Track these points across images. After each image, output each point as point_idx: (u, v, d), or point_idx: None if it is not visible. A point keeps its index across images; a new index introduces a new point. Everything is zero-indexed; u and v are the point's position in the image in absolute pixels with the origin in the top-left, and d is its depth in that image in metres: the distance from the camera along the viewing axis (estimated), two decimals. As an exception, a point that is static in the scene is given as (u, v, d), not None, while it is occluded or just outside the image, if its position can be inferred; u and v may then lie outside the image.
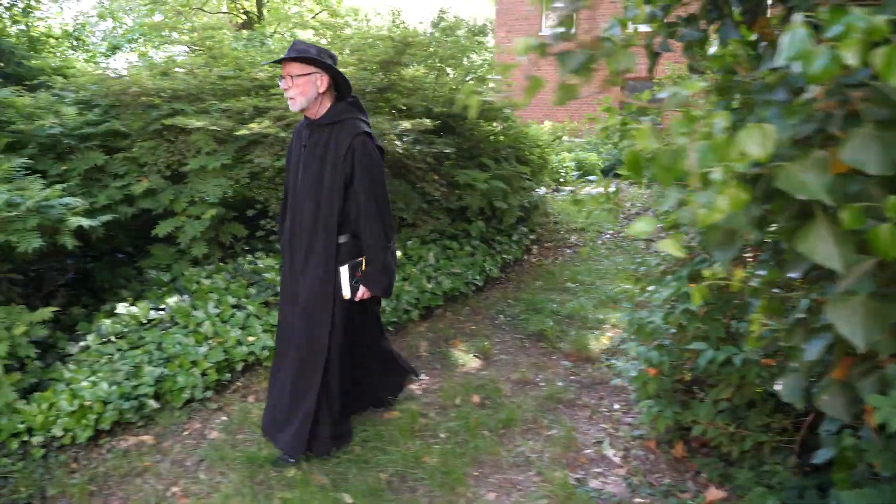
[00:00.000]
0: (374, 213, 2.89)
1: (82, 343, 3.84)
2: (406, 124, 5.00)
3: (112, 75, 4.90)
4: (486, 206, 6.10)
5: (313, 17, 12.36)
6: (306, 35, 10.91)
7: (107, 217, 3.99)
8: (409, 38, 5.15)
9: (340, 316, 2.97)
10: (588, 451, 3.21)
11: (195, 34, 6.02)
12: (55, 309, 3.59)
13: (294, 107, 2.88)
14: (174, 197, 4.69)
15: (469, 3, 30.01)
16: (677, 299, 2.85)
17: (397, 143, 4.99)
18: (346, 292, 2.93)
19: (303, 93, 2.83)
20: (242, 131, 4.34)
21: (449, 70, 6.32)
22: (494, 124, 6.68)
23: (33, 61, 6.24)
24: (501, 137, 6.60)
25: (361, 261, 2.94)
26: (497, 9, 20.54)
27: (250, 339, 3.98)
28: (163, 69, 5.24)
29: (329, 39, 7.09)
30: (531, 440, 3.30)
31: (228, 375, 3.83)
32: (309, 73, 2.80)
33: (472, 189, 5.88)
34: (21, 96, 4.55)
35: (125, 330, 3.99)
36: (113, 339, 3.91)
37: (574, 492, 2.83)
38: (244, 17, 13.51)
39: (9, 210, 3.42)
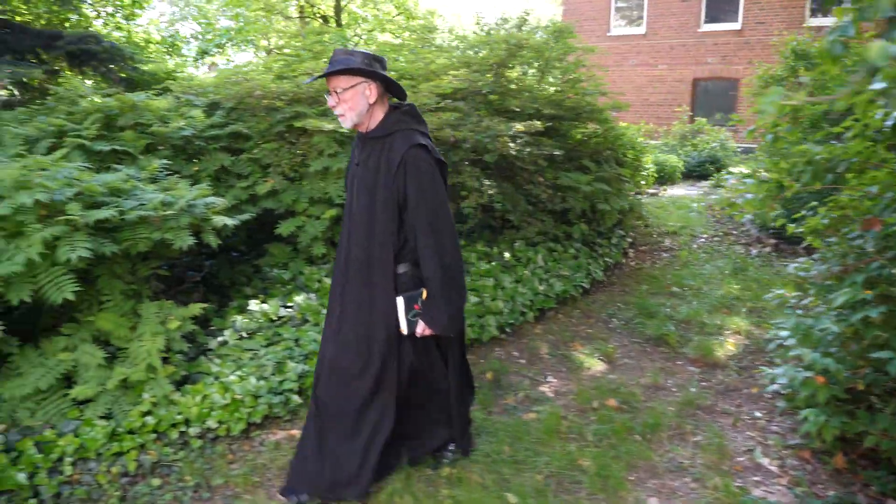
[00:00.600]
0: (429, 239, 2.51)
1: (220, 338, 3.96)
2: (519, 126, 5.01)
3: (239, 79, 5.01)
4: (588, 208, 6.06)
5: (391, 20, 12.51)
6: (384, 39, 11.05)
7: (246, 216, 4.11)
8: (522, 41, 5.15)
9: (396, 352, 2.67)
10: (741, 458, 3.14)
11: (300, 39, 6.16)
12: (203, 305, 3.71)
13: (346, 123, 2.60)
14: (296, 197, 4.80)
15: (528, 4, 29.85)
16: (852, 306, 2.76)
17: (511, 144, 5.00)
18: (403, 327, 2.61)
19: (352, 107, 2.54)
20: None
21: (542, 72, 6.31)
22: (591, 125, 6.62)
23: (148, 65, 6.49)
24: (601, 139, 6.53)
25: (421, 292, 2.59)
26: (563, 10, 20.37)
27: (381, 337, 4.03)
28: (278, 73, 5.36)
29: (415, 43, 7.12)
30: (679, 445, 3.25)
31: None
32: (356, 84, 2.51)
33: (575, 191, 5.84)
34: (153, 99, 4.73)
35: (258, 326, 4.10)
36: (244, 334, 4.03)
37: (740, 500, 2.78)
38: (320, 21, 13.79)
39: (164, 209, 3.55)
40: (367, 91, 2.54)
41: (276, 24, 13.54)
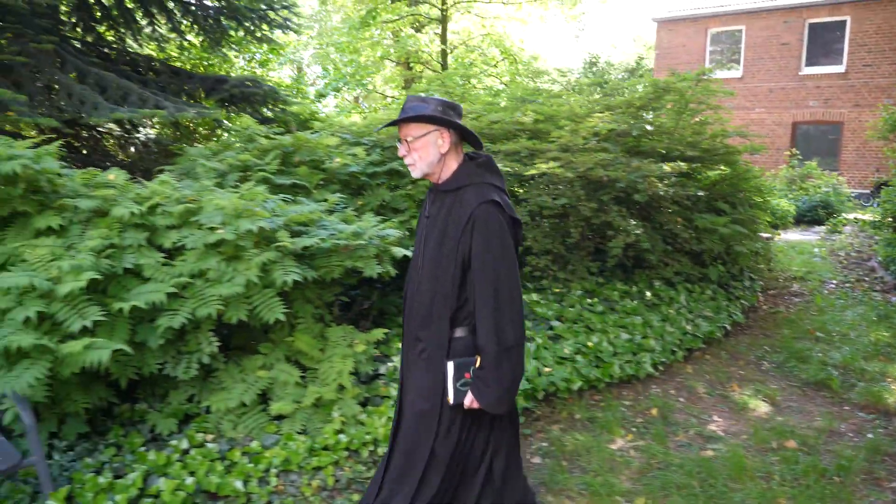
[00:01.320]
0: (489, 304, 2.26)
1: (389, 364, 4.14)
2: (666, 167, 5.08)
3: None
4: (723, 250, 6.01)
5: (495, 65, 12.88)
6: (490, 83, 11.37)
7: (409, 251, 4.32)
8: (670, 85, 5.25)
9: (447, 423, 2.40)
10: (946, 509, 3.03)
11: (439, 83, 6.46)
12: (385, 331, 3.91)
13: (415, 173, 2.39)
14: (449, 232, 4.99)
15: (616, 47, 30.10)
16: None
17: (659, 185, 5.06)
18: (451, 396, 2.35)
19: (423, 157, 2.34)
20: (531, 171, 4.57)
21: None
22: (722, 167, 6.60)
23: (293, 107, 6.94)
24: (734, 181, 6.50)
25: (475, 360, 2.35)
26: (656, 54, 20.42)
27: (546, 369, 4.12)
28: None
29: (517, 87, 7.33)
30: (875, 491, 3.16)
31: (532, 404, 3.98)
32: (427, 133, 2.31)
33: (711, 233, 5.82)
34: (324, 138, 5.06)
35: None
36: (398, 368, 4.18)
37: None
38: (422, 66, 14.42)
39: (354, 239, 3.80)
40: (440, 140, 2.32)
41: (383, 69, 14.17)
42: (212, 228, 3.42)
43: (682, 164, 5.15)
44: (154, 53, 8.25)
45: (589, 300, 5.09)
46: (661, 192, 5.06)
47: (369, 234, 3.85)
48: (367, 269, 3.78)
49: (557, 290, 5.17)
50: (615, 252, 4.96)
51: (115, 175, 3.65)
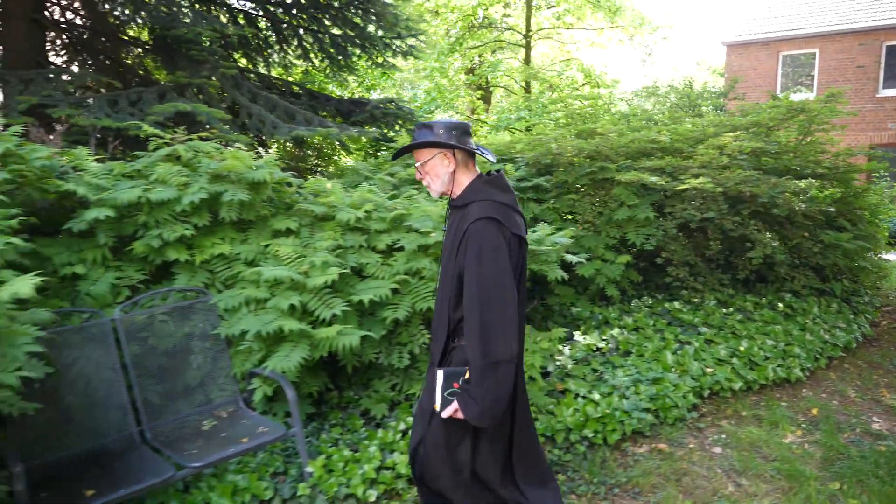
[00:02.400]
0: (475, 317, 2.24)
1: (558, 362, 4.46)
2: (801, 184, 5.32)
3: (554, 147, 5.61)
4: (845, 265, 6.19)
5: (577, 89, 13.25)
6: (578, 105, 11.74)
7: (585, 256, 4.66)
8: (806, 105, 5.51)
9: (434, 433, 2.46)
10: None
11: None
12: (564, 330, 4.24)
13: (432, 193, 2.51)
14: (595, 243, 5.32)
15: (677, 70, 30.19)
16: None
17: (795, 200, 5.30)
18: (437, 403, 2.35)
19: (433, 178, 2.46)
20: (682, 186, 4.87)
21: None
22: (835, 184, 6.78)
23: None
24: (853, 199, 6.68)
25: (465, 371, 2.33)
26: (726, 75, 20.50)
27: (708, 370, 4.38)
28: (580, 130, 6.02)
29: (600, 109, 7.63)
30: None
31: (699, 400, 4.24)
32: (433, 156, 2.42)
33: (835, 248, 6.01)
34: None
35: (584, 355, 4.57)
36: (573, 361, 4.50)
37: None
38: (483, 92, 14.97)
39: (538, 245, 4.16)
40: (446, 161, 2.42)
41: (465, 92, 14.70)
42: (423, 232, 3.82)
43: (812, 181, 5.38)
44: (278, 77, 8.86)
45: (724, 310, 5.34)
46: (797, 208, 5.29)
47: (550, 241, 4.21)
48: (550, 273, 4.13)
49: (695, 300, 5.44)
50: (756, 262, 5.20)
51: (331, 185, 4.10)
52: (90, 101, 4.60)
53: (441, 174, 2.43)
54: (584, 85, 13.64)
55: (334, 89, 9.40)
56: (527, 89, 14.17)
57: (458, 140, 2.38)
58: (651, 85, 23.26)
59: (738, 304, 5.51)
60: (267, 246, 3.68)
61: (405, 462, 3.35)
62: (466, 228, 2.32)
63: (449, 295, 2.40)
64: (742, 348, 4.70)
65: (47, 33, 6.90)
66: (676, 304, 5.27)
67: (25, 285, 1.83)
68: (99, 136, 4.50)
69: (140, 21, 6.23)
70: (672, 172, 5.29)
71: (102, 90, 5.59)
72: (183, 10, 5.85)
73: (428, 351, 4.05)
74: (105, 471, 2.88)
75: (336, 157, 8.41)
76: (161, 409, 3.32)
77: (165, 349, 3.40)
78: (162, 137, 3.85)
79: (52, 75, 4.97)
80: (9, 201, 2.91)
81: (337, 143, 7.78)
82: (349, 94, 8.67)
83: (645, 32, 16.37)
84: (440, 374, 2.34)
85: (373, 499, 3.17)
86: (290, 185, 3.98)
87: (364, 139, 7.33)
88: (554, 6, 14.45)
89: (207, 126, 4.81)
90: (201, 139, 3.95)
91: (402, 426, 3.66)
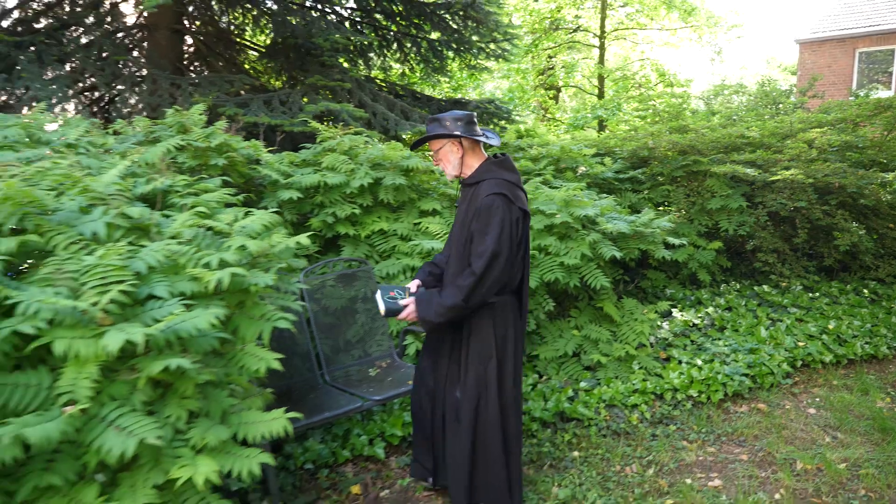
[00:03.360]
0: (463, 264, 2.76)
1: (660, 334, 4.95)
2: (888, 176, 5.65)
3: (650, 142, 6.12)
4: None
5: (651, 88, 13.58)
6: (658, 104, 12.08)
7: (716, 245, 5.16)
8: (890, 103, 5.83)
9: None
10: None
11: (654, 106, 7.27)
12: (669, 302, 4.74)
13: (448, 177, 2.92)
14: (687, 230, 5.78)
15: (746, 69, 29.84)
16: None
17: (882, 191, 5.64)
18: (381, 308, 2.89)
19: (445, 164, 2.87)
20: (775, 177, 5.29)
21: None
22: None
23: (517, 125, 7.98)
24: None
25: (405, 287, 2.92)
26: (799, 74, 20.35)
27: (801, 343, 4.81)
28: (674, 126, 6.49)
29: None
30: None
31: (791, 369, 4.68)
32: (443, 145, 2.83)
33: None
34: (582, 150, 6.00)
35: (681, 329, 5.05)
36: (673, 334, 4.98)
37: None
38: (554, 91, 15.45)
39: (644, 227, 4.67)
40: (454, 148, 2.81)
41: (538, 91, 15.20)
42: (549, 214, 4.39)
43: (899, 173, 5.70)
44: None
45: (811, 294, 5.72)
46: (883, 199, 5.62)
47: (655, 223, 4.71)
48: (656, 252, 4.64)
49: (782, 285, 5.83)
50: (842, 248, 5.56)
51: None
52: (251, 101, 5.35)
53: (452, 160, 2.84)
54: (657, 84, 13.97)
55: (426, 90, 10.09)
56: (600, 89, 14.59)
57: (464, 129, 2.78)
58: (720, 84, 23.24)
59: (824, 290, 5.87)
60: (416, 224, 4.31)
61: (534, 407, 3.92)
62: (480, 201, 2.70)
63: (458, 260, 2.80)
64: (831, 327, 5.09)
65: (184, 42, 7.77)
66: (765, 288, 5.68)
67: (303, 238, 2.46)
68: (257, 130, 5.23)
69: (270, 30, 6.97)
70: (763, 165, 5.69)
71: (242, 92, 6.36)
72: (308, 19, 6.56)
73: (551, 320, 4.62)
74: (300, 403, 3.55)
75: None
76: (331, 359, 3.99)
77: (335, 309, 4.07)
78: (324, 132, 4.53)
79: (213, 80, 5.75)
80: (231, 181, 3.61)
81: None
82: (447, 95, 9.31)
83: (718, 32, 16.55)
84: (379, 289, 2.89)
85: (515, 435, 3.75)
86: (432, 172, 4.61)
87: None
88: (628, 6, 14.81)
89: (345, 123, 5.49)
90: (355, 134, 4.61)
91: (528, 383, 4.23)
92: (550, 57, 15.16)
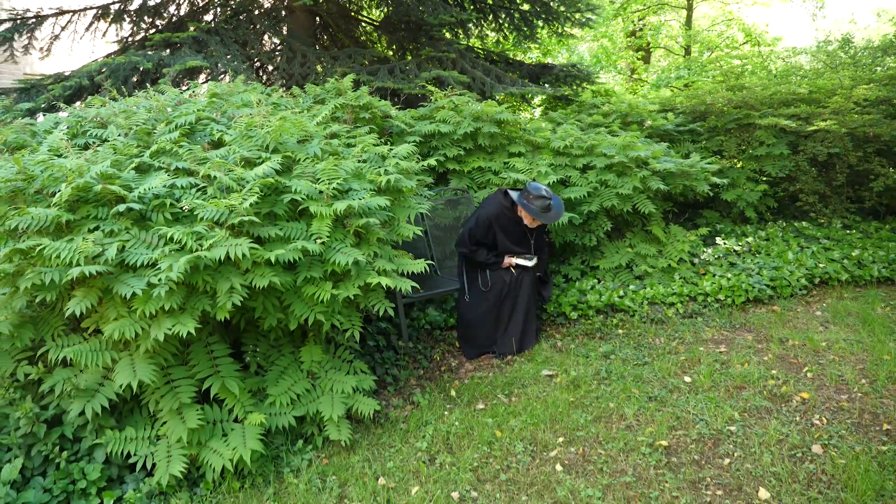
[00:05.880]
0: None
1: (703, 256, 6.11)
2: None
3: (708, 99, 7.16)
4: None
5: (738, 48, 14.08)
6: (735, 63, 12.65)
7: (762, 188, 6.25)
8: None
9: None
10: None
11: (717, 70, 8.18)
12: (708, 228, 5.88)
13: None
14: (737, 174, 6.81)
15: (856, 23, 28.65)
16: None
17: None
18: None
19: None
20: (812, 127, 6.24)
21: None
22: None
23: (596, 86, 9.09)
24: None
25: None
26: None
27: (820, 265, 5.84)
28: (732, 85, 7.46)
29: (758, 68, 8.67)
30: None
31: (810, 284, 5.74)
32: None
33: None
34: (647, 105, 7.12)
35: (723, 253, 6.17)
36: (715, 256, 6.11)
37: None
38: (643, 52, 16.06)
39: (690, 168, 5.80)
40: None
41: (626, 53, 15.94)
42: (609, 156, 5.63)
43: (938, 124, 6.45)
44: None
45: (847, 231, 6.64)
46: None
47: (699, 165, 5.84)
48: (698, 186, 5.78)
49: (822, 221, 6.78)
50: (877, 188, 6.43)
51: (545, 125, 6.01)
52: (378, 70, 6.83)
53: None
54: (744, 44, 14.38)
55: (518, 56, 11.27)
56: (687, 50, 15.14)
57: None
58: (824, 39, 22.81)
59: (862, 228, 6.76)
60: (506, 163, 5.68)
61: (591, 299, 5.24)
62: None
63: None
64: (854, 254, 6.06)
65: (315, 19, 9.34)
66: (804, 223, 6.66)
67: (431, 161, 3.90)
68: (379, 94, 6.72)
69: (388, 8, 8.39)
70: (806, 118, 6.61)
71: (366, 63, 7.85)
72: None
73: (610, 239, 5.90)
74: (423, 287, 5.05)
75: (521, 110, 10.33)
76: (441, 262, 5.46)
77: (444, 225, 5.52)
78: (437, 94, 5.94)
79: (349, 52, 7.27)
80: (373, 130, 5.10)
81: (520, 97, 9.70)
82: (537, 60, 10.45)
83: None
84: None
85: (574, 317, 5.12)
86: (518, 123, 5.93)
87: (544, 96, 9.17)
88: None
89: (451, 86, 6.87)
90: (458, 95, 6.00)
91: (589, 284, 5.54)
92: (640, 19, 15.80)
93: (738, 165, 6.97)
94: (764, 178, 6.93)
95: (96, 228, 2.91)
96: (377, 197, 3.43)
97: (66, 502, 2.93)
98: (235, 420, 3.26)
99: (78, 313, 2.75)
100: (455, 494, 3.02)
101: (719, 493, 2.93)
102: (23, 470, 2.96)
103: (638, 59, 16.74)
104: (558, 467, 3.21)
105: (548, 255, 5.11)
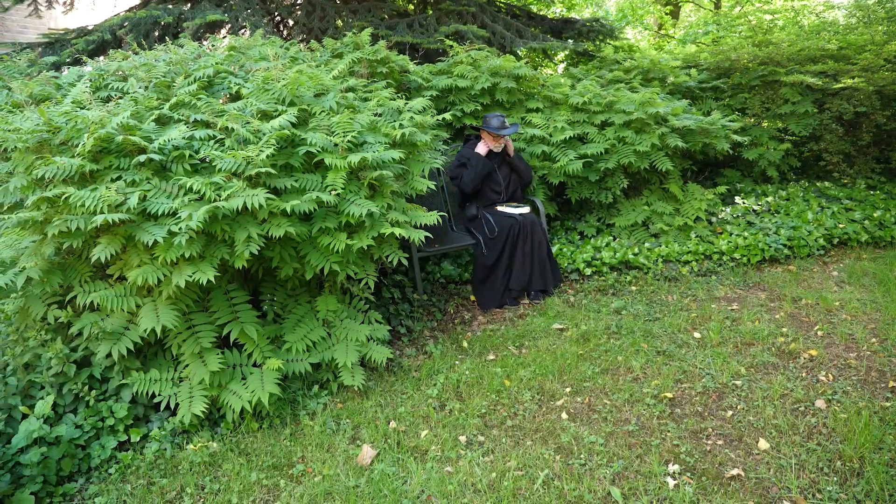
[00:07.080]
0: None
1: (721, 215, 6.08)
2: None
3: (732, 55, 7.01)
4: None
5: (769, 2, 13.64)
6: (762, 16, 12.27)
7: (785, 146, 6.16)
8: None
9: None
10: None
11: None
12: (727, 187, 5.84)
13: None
14: (760, 133, 6.71)
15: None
16: None
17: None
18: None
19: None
20: (839, 85, 6.11)
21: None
22: None
23: (620, 41, 8.92)
24: None
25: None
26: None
27: (840, 225, 5.79)
28: (759, 40, 7.30)
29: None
30: None
31: (828, 245, 5.70)
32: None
33: None
34: (669, 62, 7.00)
35: (742, 212, 6.13)
36: (733, 215, 6.08)
37: None
38: (671, 7, 15.61)
39: (710, 125, 5.74)
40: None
41: (654, 8, 15.54)
42: (628, 112, 5.58)
43: (971, 82, 6.27)
44: None
45: (871, 192, 6.54)
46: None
47: (719, 123, 5.77)
48: (718, 144, 5.72)
49: (845, 182, 6.68)
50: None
51: (564, 80, 5.96)
52: (397, 24, 6.79)
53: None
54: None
55: (542, 10, 11.06)
56: (717, 4, 14.70)
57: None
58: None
59: (886, 189, 6.66)
60: (523, 118, 5.66)
61: (605, 256, 5.28)
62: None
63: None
64: (875, 215, 5.99)
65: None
66: (826, 183, 6.57)
67: (447, 115, 3.92)
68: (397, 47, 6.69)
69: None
70: (834, 75, 6.46)
71: (386, 16, 7.79)
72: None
73: (627, 196, 5.89)
74: (438, 241, 5.12)
75: (543, 66, 10.20)
76: (456, 216, 5.51)
77: (460, 181, 5.55)
78: (456, 48, 5.91)
79: (369, 6, 7.23)
80: (390, 84, 5.11)
81: (542, 53, 9.56)
82: (561, 14, 10.25)
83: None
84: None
85: (588, 273, 5.17)
86: (537, 79, 5.89)
87: (568, 51, 9.04)
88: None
89: (470, 41, 6.81)
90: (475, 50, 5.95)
91: (604, 241, 5.57)
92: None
93: (764, 125, 6.86)
94: (788, 137, 6.82)
95: (119, 178, 3.01)
96: (391, 150, 3.47)
97: (96, 437, 3.11)
98: (254, 365, 3.40)
99: (103, 259, 2.87)
100: (462, 438, 3.14)
101: (720, 442, 3.01)
102: (55, 407, 3.13)
103: (666, 13, 16.32)
104: (564, 415, 3.30)
105: (530, 178, 5.32)
